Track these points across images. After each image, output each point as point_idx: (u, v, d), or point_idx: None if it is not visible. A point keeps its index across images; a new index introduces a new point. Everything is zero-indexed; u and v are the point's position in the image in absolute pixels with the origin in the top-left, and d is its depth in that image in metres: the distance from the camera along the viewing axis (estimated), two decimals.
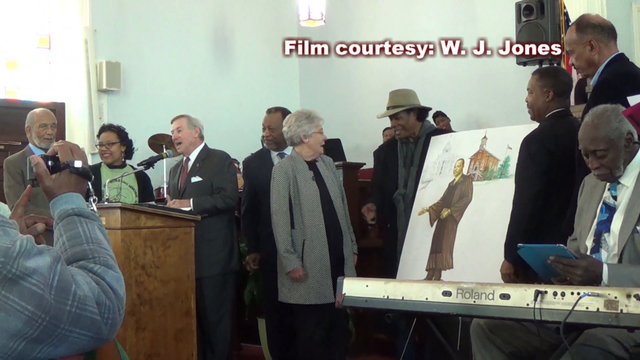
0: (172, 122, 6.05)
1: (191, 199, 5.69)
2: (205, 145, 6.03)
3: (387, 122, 7.97)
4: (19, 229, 1.82)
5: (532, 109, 4.64)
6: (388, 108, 5.64)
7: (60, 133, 8.31)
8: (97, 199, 2.20)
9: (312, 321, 5.25)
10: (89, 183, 2.13)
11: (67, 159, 2.06)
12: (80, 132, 9.09)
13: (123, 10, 9.73)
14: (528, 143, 4.46)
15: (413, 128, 5.58)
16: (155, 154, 6.94)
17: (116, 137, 6.13)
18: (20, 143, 7.67)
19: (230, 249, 5.90)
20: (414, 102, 5.62)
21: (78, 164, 2.06)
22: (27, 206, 2.23)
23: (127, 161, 6.30)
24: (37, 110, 6.14)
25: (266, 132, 5.95)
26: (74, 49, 9.17)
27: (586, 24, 4.12)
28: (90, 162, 5.66)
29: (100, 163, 6.19)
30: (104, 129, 6.26)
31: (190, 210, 5.40)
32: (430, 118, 6.28)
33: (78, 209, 1.99)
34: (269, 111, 6.02)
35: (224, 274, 5.85)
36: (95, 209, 2.09)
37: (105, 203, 5.08)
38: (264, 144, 6.24)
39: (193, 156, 5.95)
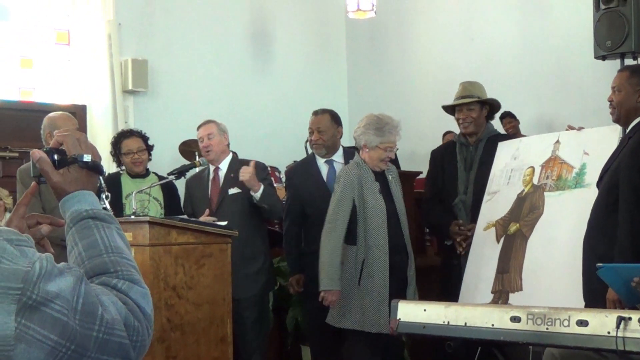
0: (198, 129, 6.08)
1: (261, 185, 5.70)
2: (235, 154, 6.09)
3: (448, 126, 7.99)
4: (20, 230, 1.80)
5: (619, 109, 4.57)
6: (457, 99, 5.72)
7: None
8: (109, 195, 2.17)
9: (366, 350, 5.24)
10: (101, 178, 2.07)
11: (75, 152, 1.97)
12: (103, 138, 9.00)
13: (151, 1, 9.77)
14: None
15: (481, 126, 5.68)
16: (186, 162, 6.97)
17: (142, 143, 6.11)
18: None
19: (269, 267, 5.97)
20: (487, 97, 5.75)
21: (87, 157, 1.97)
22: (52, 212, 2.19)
23: (151, 169, 6.25)
24: (56, 114, 5.94)
25: (314, 135, 5.98)
26: (96, 45, 9.20)
27: None
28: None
29: (120, 173, 6.11)
30: (127, 134, 6.19)
31: (227, 224, 5.41)
32: (496, 120, 6.27)
33: (93, 211, 1.92)
34: (316, 113, 6.07)
35: (263, 295, 5.90)
36: (108, 207, 2.04)
37: (132, 217, 5.10)
38: (310, 149, 6.24)
39: (224, 166, 5.99)
